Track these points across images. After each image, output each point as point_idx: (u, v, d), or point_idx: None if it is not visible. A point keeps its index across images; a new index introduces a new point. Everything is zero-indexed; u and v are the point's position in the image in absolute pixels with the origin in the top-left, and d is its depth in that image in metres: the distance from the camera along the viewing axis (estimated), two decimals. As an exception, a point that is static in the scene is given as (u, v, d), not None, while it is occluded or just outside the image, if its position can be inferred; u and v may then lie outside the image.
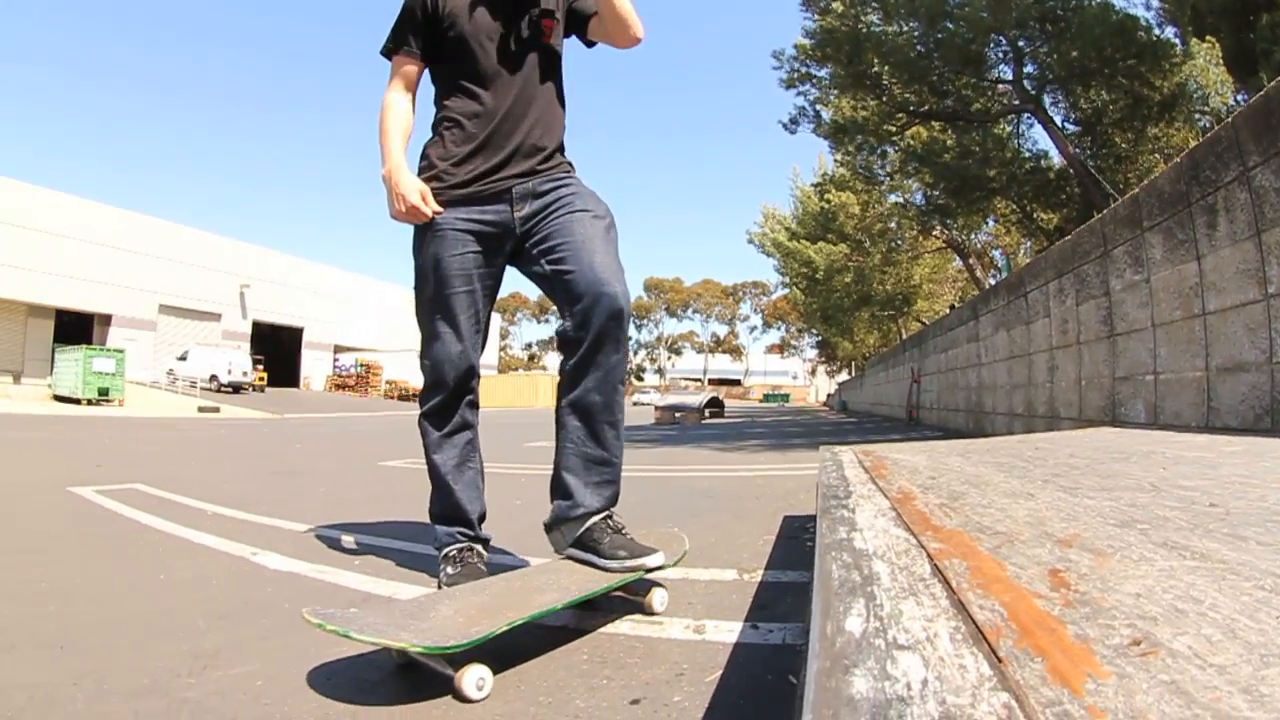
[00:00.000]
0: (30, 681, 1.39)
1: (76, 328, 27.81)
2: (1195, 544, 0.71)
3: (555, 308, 1.96)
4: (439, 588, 1.85)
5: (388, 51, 2.05)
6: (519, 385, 47.84)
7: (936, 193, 11.53)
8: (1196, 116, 9.48)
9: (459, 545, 1.96)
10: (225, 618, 1.78)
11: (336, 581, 2.14)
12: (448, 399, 1.97)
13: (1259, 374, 2.49)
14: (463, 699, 1.28)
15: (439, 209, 1.90)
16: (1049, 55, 9.10)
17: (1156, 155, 9.61)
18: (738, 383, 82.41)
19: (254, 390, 31.35)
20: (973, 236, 15.64)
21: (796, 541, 2.54)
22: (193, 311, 33.07)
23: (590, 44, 2.16)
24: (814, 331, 44.29)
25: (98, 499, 3.88)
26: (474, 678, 1.29)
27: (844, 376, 49.94)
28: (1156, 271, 3.26)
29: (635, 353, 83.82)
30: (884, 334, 30.20)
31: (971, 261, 16.37)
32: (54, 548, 2.67)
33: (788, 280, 32.23)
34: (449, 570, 1.90)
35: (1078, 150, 9.52)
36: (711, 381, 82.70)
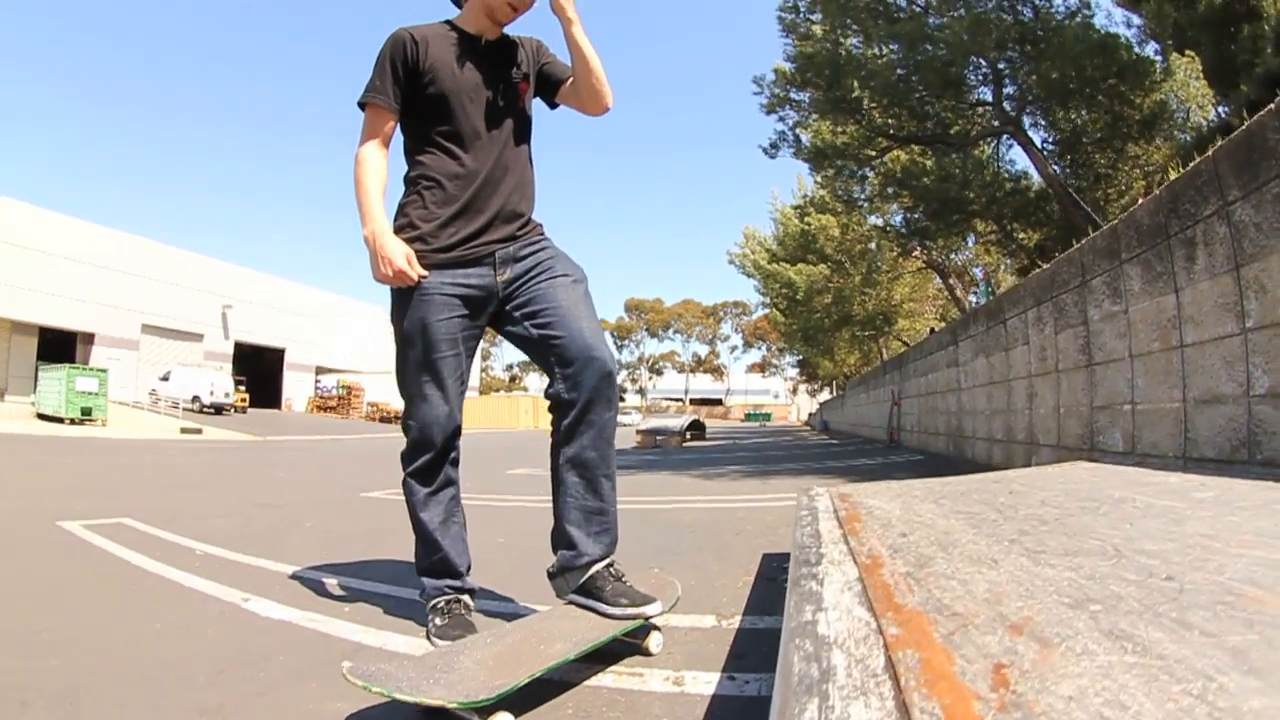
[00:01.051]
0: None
1: (60, 345, 27.77)
2: (1140, 633, 0.77)
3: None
4: (428, 638, 1.95)
5: (364, 103, 2.05)
6: (500, 406, 48.05)
7: (916, 215, 11.71)
8: (1177, 134, 9.66)
9: (447, 597, 2.04)
10: (224, 671, 1.81)
11: (328, 631, 2.16)
12: (434, 459, 2.04)
13: (1236, 406, 2.55)
14: None
15: (424, 273, 1.93)
16: (1028, 75, 9.28)
17: (1137, 172, 9.81)
18: (719, 402, 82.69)
19: (235, 411, 31.45)
20: (952, 256, 15.88)
21: (774, 584, 2.59)
22: (175, 331, 33.02)
23: (554, 106, 2.24)
24: (795, 351, 44.52)
25: (87, 535, 3.90)
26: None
27: (825, 395, 50.21)
28: (1135, 303, 3.33)
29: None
30: (865, 354, 30.45)
31: (952, 281, 16.61)
32: (52, 593, 2.70)
33: (768, 301, 32.45)
34: (437, 621, 1.97)
35: (1057, 170, 9.72)
36: (693, 401, 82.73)
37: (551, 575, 1.99)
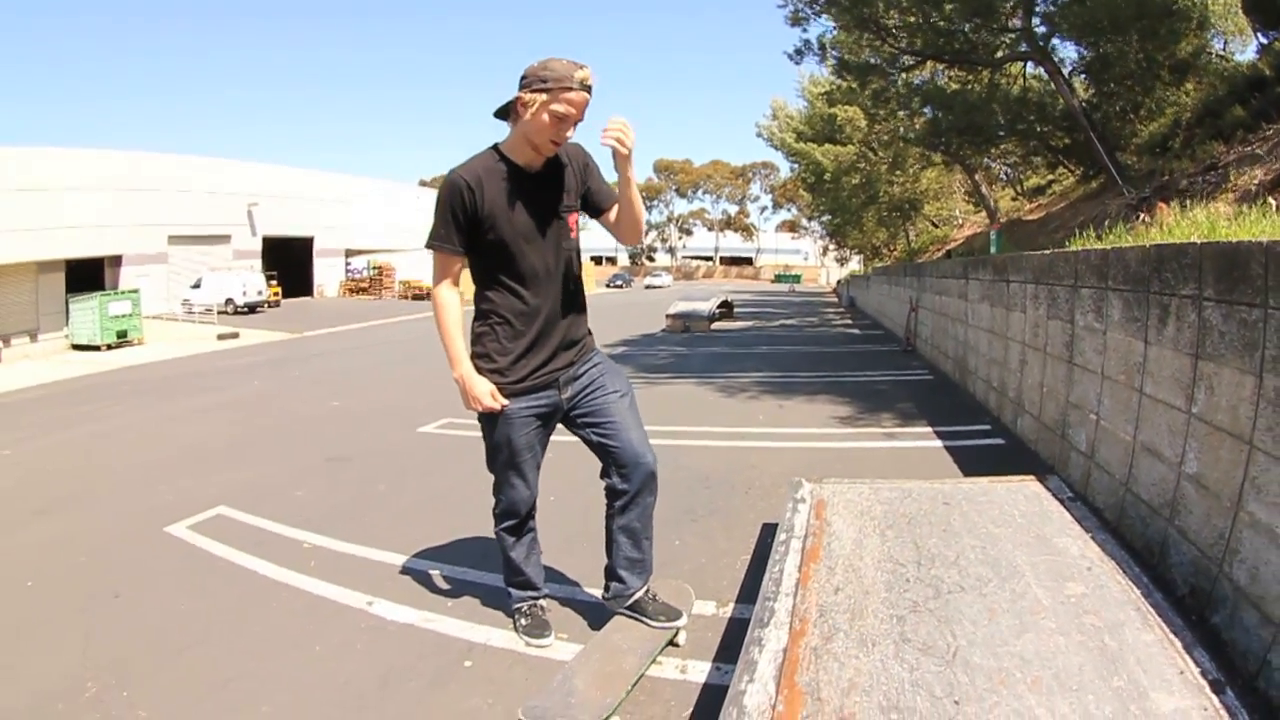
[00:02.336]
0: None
1: (88, 273, 27.69)
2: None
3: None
4: (516, 632, 2.81)
5: (434, 248, 2.41)
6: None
7: (940, 136, 11.64)
8: (1212, 72, 9.30)
9: (529, 603, 2.84)
10: (385, 684, 2.57)
11: (443, 630, 2.93)
12: (519, 523, 2.72)
13: (1169, 470, 2.82)
14: None
15: (506, 402, 2.43)
16: (1059, 4, 8.98)
17: (1171, 110, 9.58)
18: (749, 261, 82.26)
19: (269, 307, 31.78)
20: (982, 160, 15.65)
21: (764, 564, 3.16)
22: (202, 237, 33.07)
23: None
24: (822, 224, 44.00)
25: (198, 541, 4.25)
26: None
27: (854, 263, 49.93)
28: (1112, 331, 3.52)
29: (645, 234, 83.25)
30: (892, 233, 30.32)
31: (978, 178, 16.45)
32: (212, 632, 3.06)
33: (796, 171, 32.09)
34: (523, 622, 2.81)
35: (1082, 103, 9.56)
36: (723, 260, 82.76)
37: (607, 599, 2.75)
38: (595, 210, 2.57)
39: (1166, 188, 6.58)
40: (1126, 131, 9.84)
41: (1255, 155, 5.90)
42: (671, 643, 2.65)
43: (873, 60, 10.75)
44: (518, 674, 2.59)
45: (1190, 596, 2.52)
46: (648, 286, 55.68)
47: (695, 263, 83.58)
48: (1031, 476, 3.25)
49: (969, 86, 10.81)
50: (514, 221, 2.36)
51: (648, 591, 2.70)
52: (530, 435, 2.54)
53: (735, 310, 23.16)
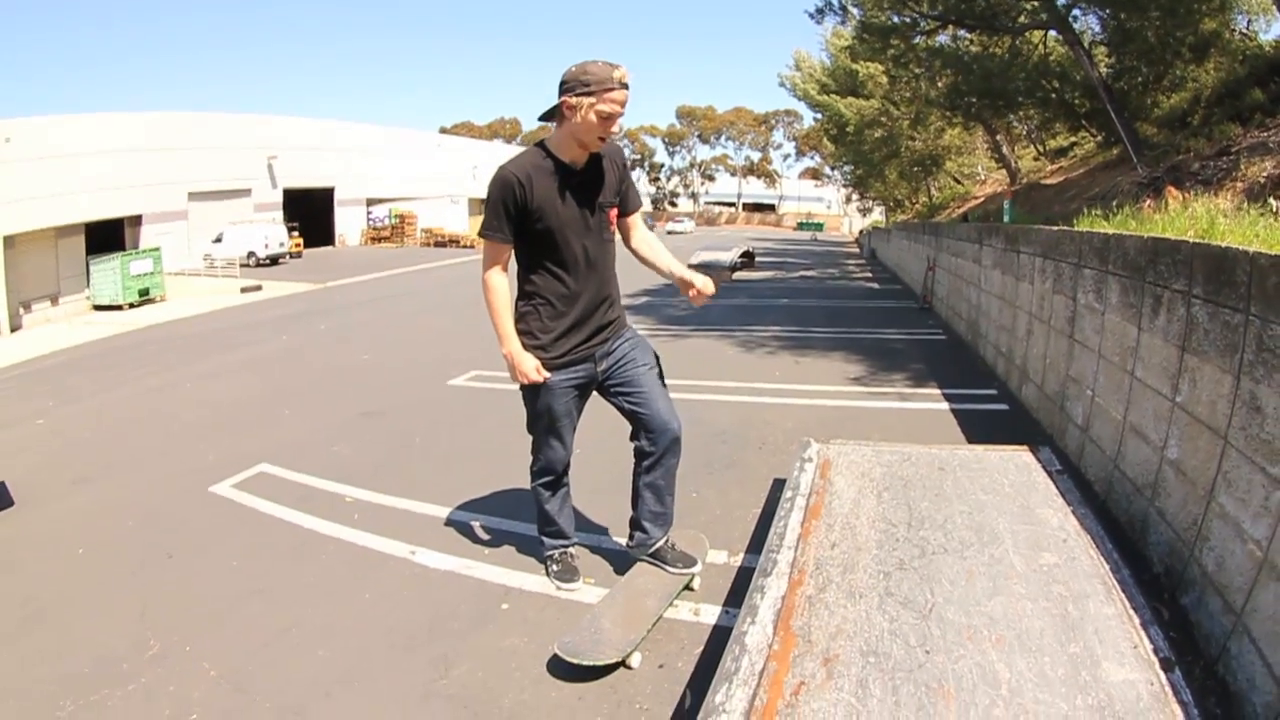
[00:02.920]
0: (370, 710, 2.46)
1: (108, 233, 27.56)
2: (887, 681, 1.72)
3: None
4: (548, 577, 3.15)
5: (486, 237, 2.65)
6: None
7: (961, 98, 11.57)
8: (1239, 45, 9.12)
9: (560, 550, 3.18)
10: (433, 626, 2.90)
11: (482, 577, 3.26)
12: (555, 479, 3.03)
13: (1153, 453, 2.96)
14: (629, 667, 2.51)
15: (548, 375, 2.70)
16: None
17: (1192, 85, 9.43)
18: (772, 208, 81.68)
19: (291, 258, 31.87)
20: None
21: (773, 518, 3.41)
22: (222, 192, 33.03)
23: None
24: (845, 174, 43.46)
25: (243, 498, 4.48)
26: (635, 658, 2.53)
27: (877, 214, 49.44)
28: (1110, 313, 3.62)
29: (668, 179, 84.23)
30: (914, 187, 30.05)
31: (1000, 137, 16.26)
32: (265, 584, 3.32)
33: (820, 121, 31.74)
34: (555, 568, 3.16)
35: (1102, 74, 9.44)
36: (746, 207, 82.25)
37: (630, 547, 3.07)
38: (619, 212, 2.83)
39: (1178, 169, 6.60)
40: (1147, 103, 9.73)
41: (1266, 146, 5.91)
42: (688, 587, 2.98)
43: (894, 20, 10.65)
44: (550, 615, 2.91)
45: (1165, 576, 2.73)
46: (670, 232, 55.57)
47: (718, 209, 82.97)
48: (1025, 447, 3.46)
49: (989, 52, 10.72)
50: (560, 213, 2.58)
51: (667, 541, 3.02)
52: (568, 403, 2.82)
53: (757, 260, 22.96)
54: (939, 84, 12.35)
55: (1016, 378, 5.81)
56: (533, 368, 2.67)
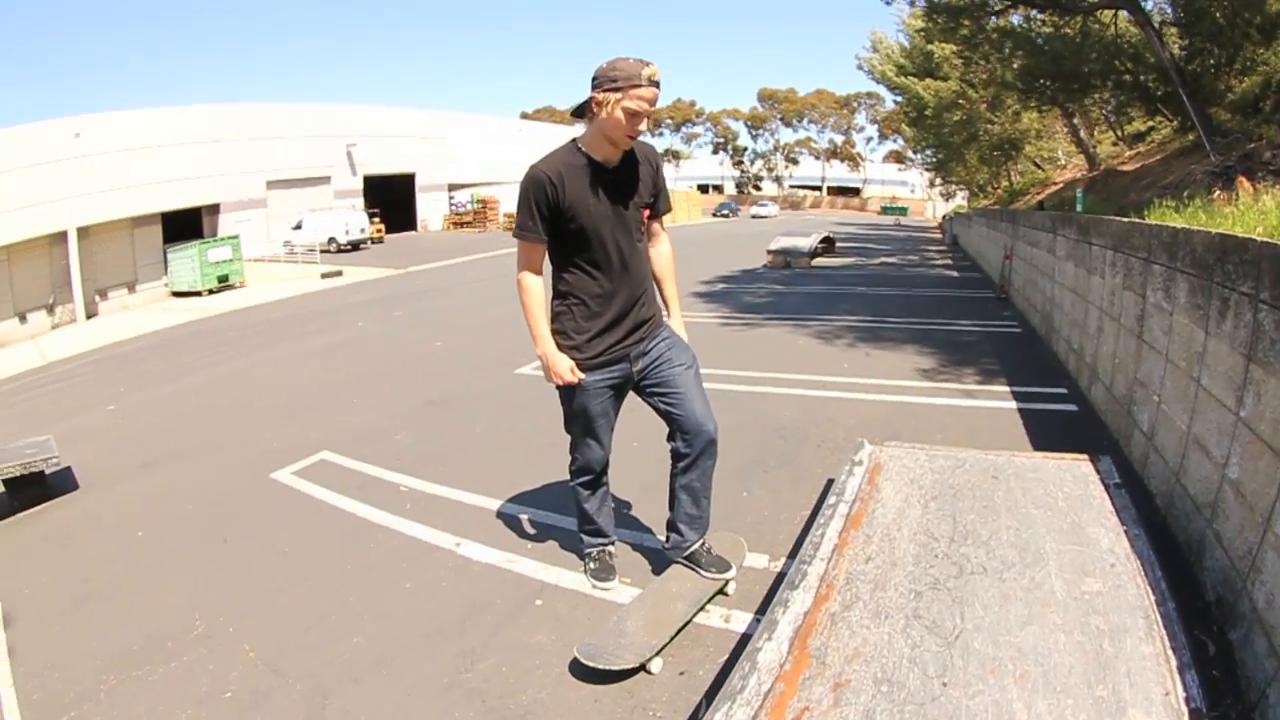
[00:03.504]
0: (394, 698, 2.56)
1: (186, 223, 28.51)
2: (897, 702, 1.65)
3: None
4: (585, 574, 3.16)
5: (519, 237, 2.63)
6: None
7: (1034, 81, 11.06)
8: None
9: (598, 549, 3.18)
10: (466, 618, 2.98)
11: (521, 571, 3.32)
12: (594, 479, 3.03)
13: (1213, 470, 2.72)
14: (649, 672, 2.50)
15: (583, 376, 2.69)
16: None
17: (1264, 68, 8.77)
18: (857, 192, 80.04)
19: (373, 244, 32.70)
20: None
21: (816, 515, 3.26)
22: (301, 180, 34.04)
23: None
24: (925, 155, 42.17)
25: (302, 485, 4.65)
26: (656, 663, 2.51)
27: (959, 198, 47.90)
28: (1179, 314, 3.37)
29: (752, 163, 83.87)
30: (994, 172, 28.92)
31: (1077, 120, 15.42)
32: (313, 571, 3.47)
33: (900, 105, 30.87)
34: (592, 566, 3.17)
35: (1173, 55, 8.85)
36: (830, 190, 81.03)
37: (666, 549, 3.06)
38: (649, 213, 2.80)
39: (1251, 158, 6.11)
40: (1219, 87, 9.05)
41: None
42: (721, 592, 2.94)
43: (963, 2, 10.23)
44: (581, 613, 2.94)
45: (1216, 606, 2.54)
46: (754, 216, 55.32)
47: (802, 192, 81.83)
48: (1085, 457, 3.29)
49: (1061, 32, 10.18)
50: (593, 212, 2.56)
51: (703, 544, 2.99)
52: (604, 403, 2.82)
53: (837, 246, 22.75)
54: (1013, 65, 11.83)
55: (1086, 376, 5.52)
56: (567, 368, 2.67)
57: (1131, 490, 3.05)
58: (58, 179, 23.59)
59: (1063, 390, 5.78)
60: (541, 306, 2.71)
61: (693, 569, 2.96)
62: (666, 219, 2.94)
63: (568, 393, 2.79)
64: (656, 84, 2.41)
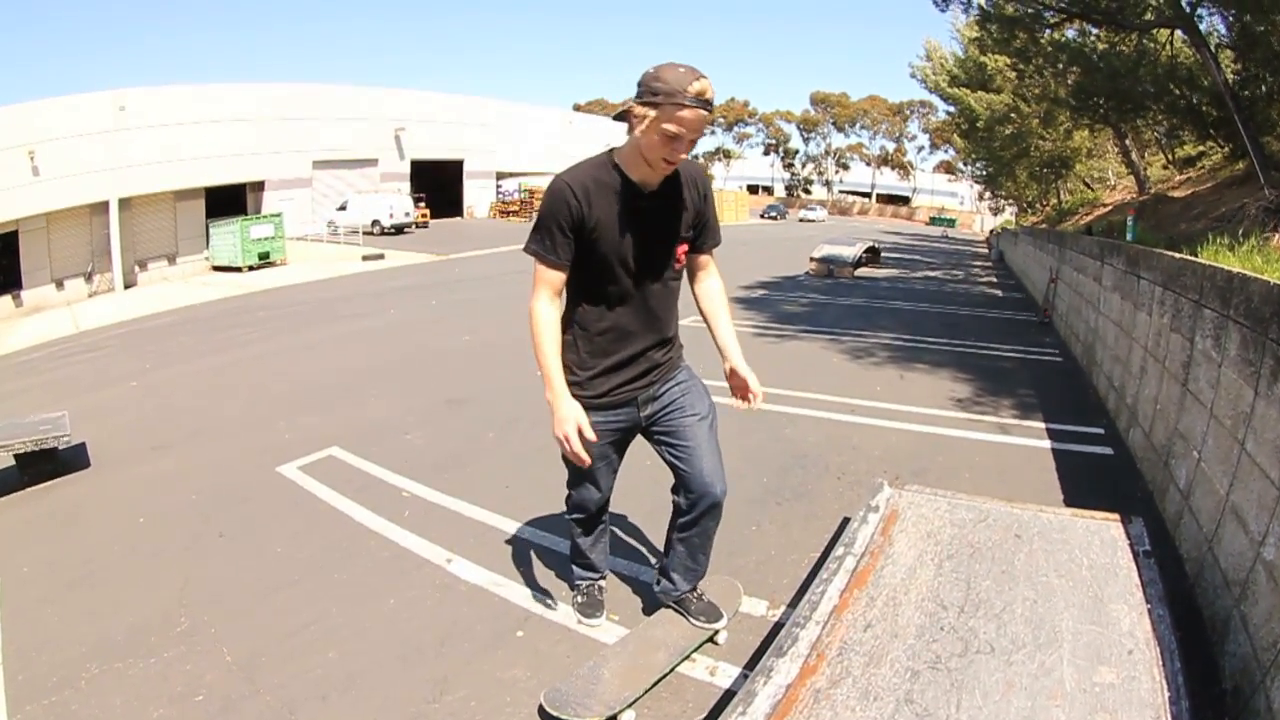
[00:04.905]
0: (363, 715, 2.46)
1: (228, 198, 28.82)
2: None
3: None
4: (574, 608, 2.99)
5: (533, 255, 2.24)
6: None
7: (1088, 98, 10.69)
8: None
9: (588, 584, 3.00)
10: (444, 643, 2.87)
11: (507, 596, 3.20)
12: (590, 518, 2.83)
13: (1249, 546, 2.47)
14: None
15: (592, 437, 2.26)
16: None
17: None
18: (906, 200, 78.94)
19: (417, 228, 32.78)
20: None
21: (823, 562, 3.14)
22: (348, 161, 34.37)
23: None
24: (976, 170, 41.42)
25: (304, 482, 4.60)
26: (628, 716, 2.35)
27: (1008, 213, 46.99)
28: (1227, 367, 3.11)
29: (803, 165, 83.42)
30: (1043, 189, 28.24)
31: (1128, 141, 14.86)
32: (303, 578, 3.38)
33: (952, 115, 30.39)
34: (579, 599, 2.98)
35: (1227, 80, 8.44)
36: (880, 198, 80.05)
37: (657, 591, 2.87)
38: (690, 247, 2.45)
39: None
40: (1272, 115, 8.61)
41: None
42: (711, 640, 2.77)
43: (1018, 10, 9.90)
44: (561, 650, 2.81)
45: (1232, 697, 2.33)
46: (801, 220, 54.81)
47: (851, 198, 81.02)
48: (1116, 517, 3.06)
49: (1116, 49, 9.81)
50: (619, 244, 2.21)
51: (694, 590, 2.80)
52: (605, 448, 2.50)
53: (882, 257, 22.39)
54: (1068, 81, 11.46)
55: (1125, 418, 5.23)
56: (574, 428, 2.23)
57: (1161, 553, 2.85)
58: (102, 150, 24.13)
59: (1100, 430, 5.49)
60: (555, 344, 2.28)
61: (682, 614, 2.78)
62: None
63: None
64: (706, 105, 2.00)
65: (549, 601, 3.13)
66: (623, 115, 2.10)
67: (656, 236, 2.28)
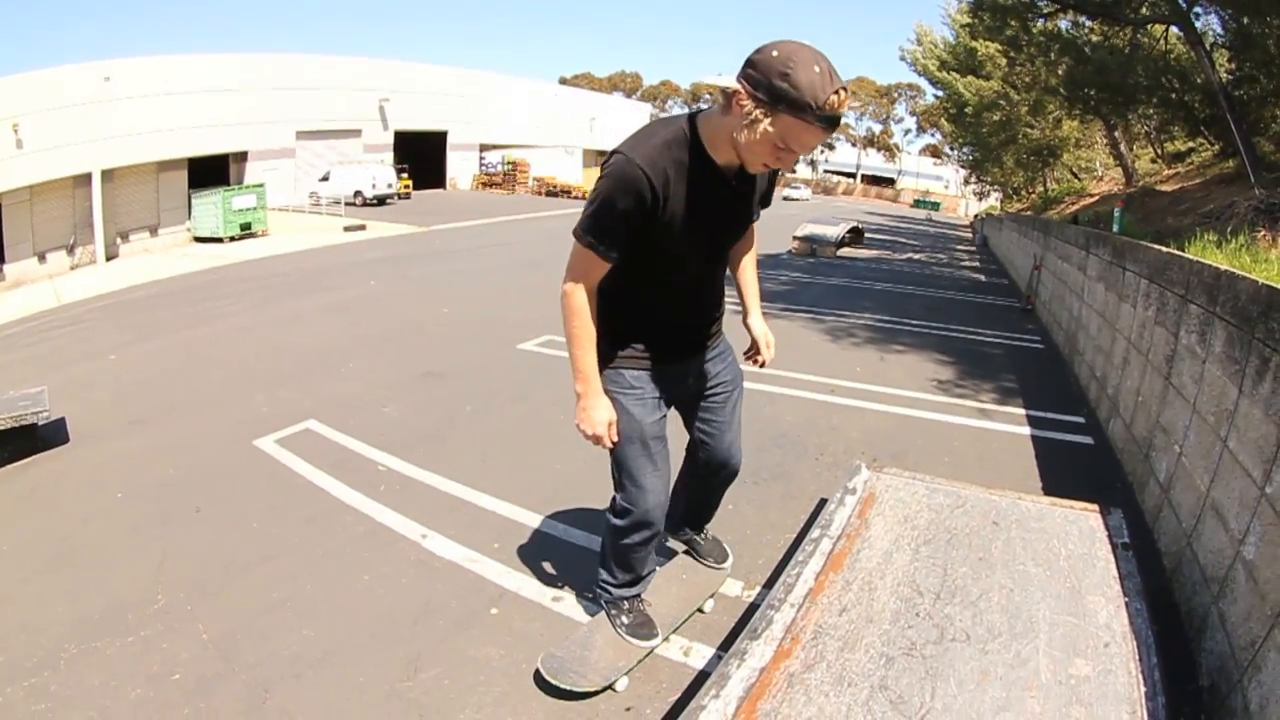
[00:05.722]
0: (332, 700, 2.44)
1: (211, 169, 28.42)
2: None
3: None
4: (615, 628, 2.49)
5: (584, 244, 1.91)
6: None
7: (1079, 89, 10.70)
8: None
9: (630, 598, 2.53)
10: (418, 620, 2.83)
11: (482, 573, 3.15)
12: (654, 534, 2.33)
13: (1228, 544, 2.46)
14: (614, 690, 2.37)
15: (616, 439, 2.12)
16: None
17: None
18: (891, 182, 78.90)
19: (400, 199, 32.68)
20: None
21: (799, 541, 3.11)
22: (331, 132, 33.97)
23: None
24: (963, 154, 41.54)
25: (281, 456, 4.54)
26: (622, 683, 2.38)
27: (993, 198, 47.17)
28: (1211, 363, 3.10)
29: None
30: (1030, 176, 28.36)
31: (1118, 134, 14.92)
32: (279, 554, 3.33)
33: (940, 100, 30.47)
34: (624, 620, 2.48)
35: (1221, 79, 8.46)
36: (864, 179, 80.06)
37: (666, 530, 2.80)
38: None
39: None
40: (1265, 116, 8.66)
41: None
42: (699, 609, 2.77)
43: (1011, 1, 9.86)
44: (535, 628, 2.77)
45: (1209, 694, 2.33)
46: (785, 198, 54.64)
47: (836, 178, 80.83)
48: (1095, 508, 3.05)
49: (1109, 42, 9.83)
50: (690, 232, 1.93)
51: (703, 532, 2.92)
52: (661, 424, 2.24)
53: (865, 237, 22.42)
54: (1058, 71, 11.46)
55: (1106, 408, 5.25)
56: (603, 424, 2.06)
57: (1139, 546, 2.84)
58: (85, 122, 23.69)
59: (1080, 419, 5.52)
60: (590, 337, 2.02)
61: (693, 557, 2.89)
62: None
63: (618, 408, 2.17)
64: (835, 122, 1.64)
65: (524, 578, 3.10)
66: (726, 94, 1.75)
67: (730, 223, 2.08)
